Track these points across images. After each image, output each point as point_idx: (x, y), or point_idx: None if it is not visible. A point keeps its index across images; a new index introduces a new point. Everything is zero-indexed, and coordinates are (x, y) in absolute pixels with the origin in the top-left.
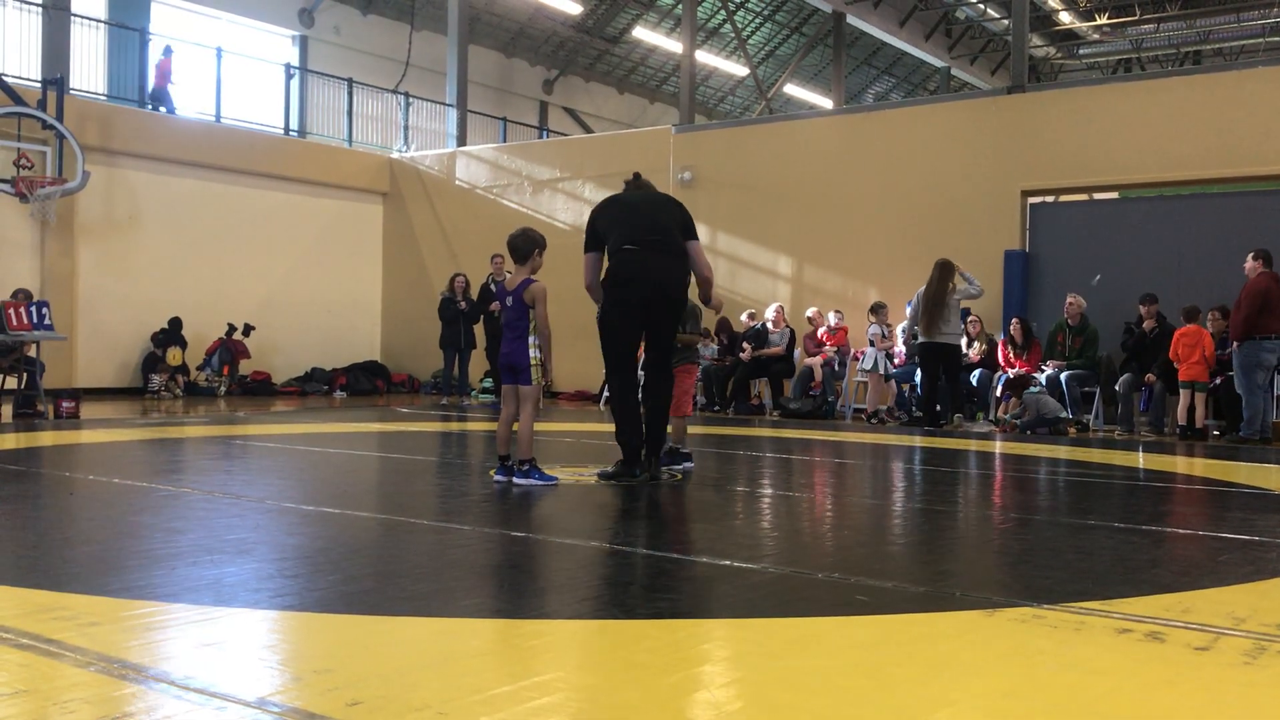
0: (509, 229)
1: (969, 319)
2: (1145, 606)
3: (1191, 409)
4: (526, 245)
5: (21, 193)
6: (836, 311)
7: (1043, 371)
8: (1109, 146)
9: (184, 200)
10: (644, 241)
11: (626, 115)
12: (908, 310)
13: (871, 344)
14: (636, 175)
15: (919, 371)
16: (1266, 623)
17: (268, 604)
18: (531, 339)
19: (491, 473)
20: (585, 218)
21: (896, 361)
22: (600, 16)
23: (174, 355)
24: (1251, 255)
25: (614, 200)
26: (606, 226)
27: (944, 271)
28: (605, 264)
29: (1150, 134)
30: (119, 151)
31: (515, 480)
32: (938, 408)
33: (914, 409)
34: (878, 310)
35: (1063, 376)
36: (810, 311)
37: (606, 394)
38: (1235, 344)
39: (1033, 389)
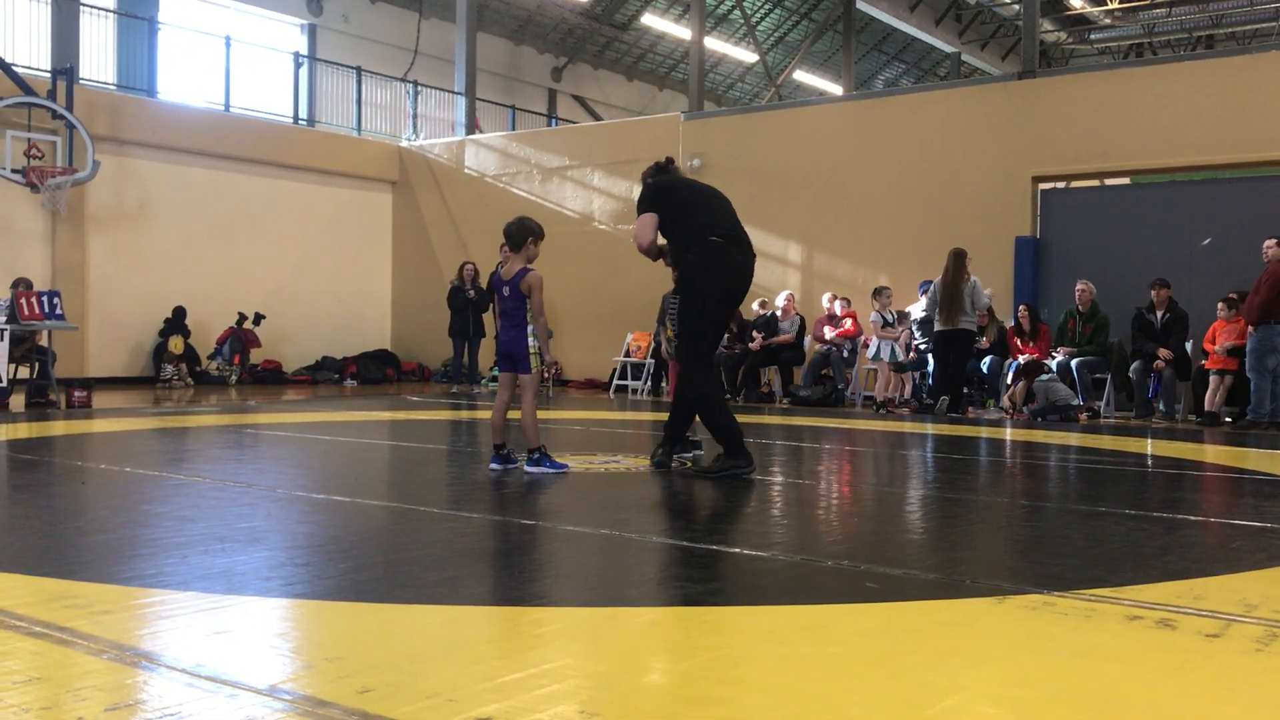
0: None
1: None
2: (1156, 593)
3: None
4: (521, 234)
5: (32, 183)
6: (844, 299)
7: (1053, 358)
8: (1121, 132)
9: (194, 190)
10: (729, 236)
11: (635, 102)
12: (920, 295)
13: (888, 323)
14: (670, 159)
15: (930, 358)
16: (1278, 610)
17: (279, 592)
18: (530, 328)
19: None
20: (594, 205)
21: (913, 349)
22: (609, 3)
23: (175, 344)
24: (1276, 241)
25: (681, 181)
26: (678, 205)
27: (958, 260)
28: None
29: (1162, 119)
30: (129, 141)
31: (526, 469)
32: (946, 397)
33: (925, 397)
34: (879, 295)
35: (1073, 363)
36: (825, 299)
37: (624, 381)
38: (1250, 328)
39: (1043, 376)
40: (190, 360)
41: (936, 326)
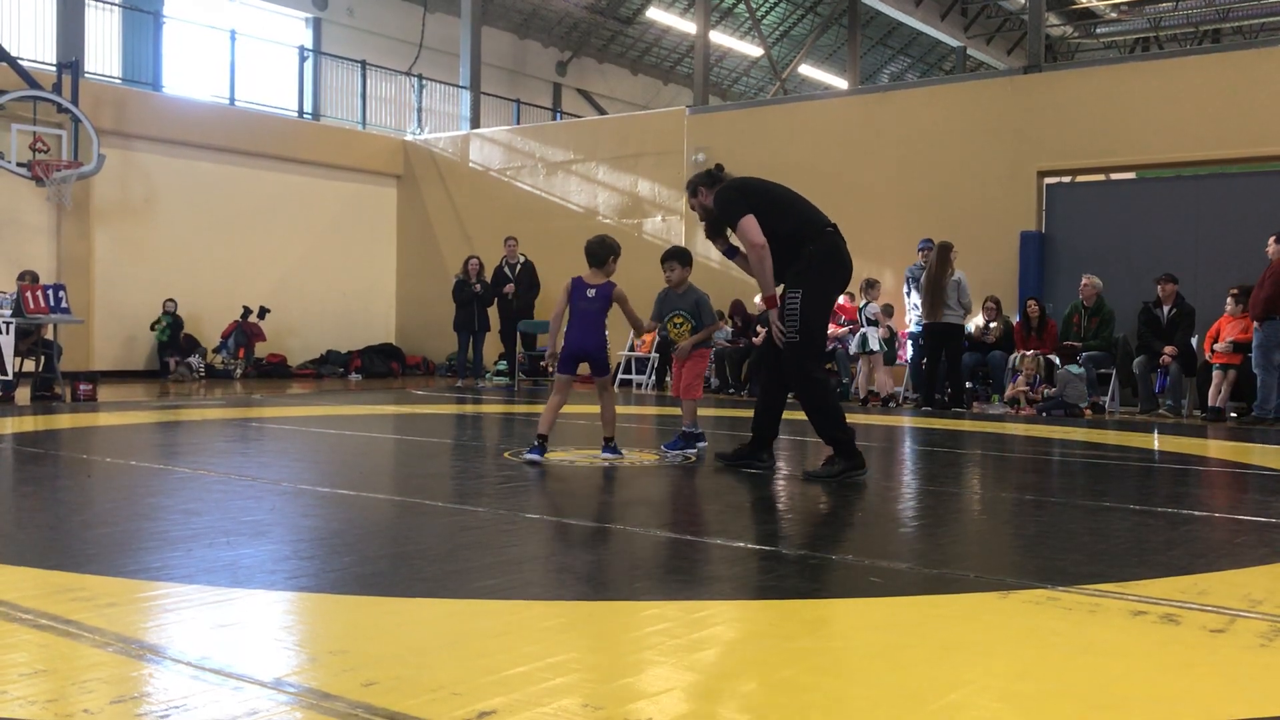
0: (522, 211)
1: (985, 302)
2: (1161, 589)
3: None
4: (603, 252)
5: (38, 176)
6: (849, 294)
7: (1076, 362)
8: (1126, 126)
9: (199, 183)
10: (834, 227)
11: (640, 97)
12: (906, 280)
13: (873, 323)
14: (720, 166)
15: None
16: None
17: (283, 585)
18: (605, 332)
19: (522, 453)
20: (599, 199)
21: (901, 343)
22: None
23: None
24: (1275, 238)
25: (760, 180)
26: (775, 203)
27: (943, 254)
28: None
29: (1168, 113)
30: (134, 135)
31: (605, 454)
32: (948, 390)
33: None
34: (870, 288)
35: (1079, 358)
36: None
37: (654, 380)
38: (1256, 324)
39: (1073, 369)
40: (187, 354)
41: (921, 319)
